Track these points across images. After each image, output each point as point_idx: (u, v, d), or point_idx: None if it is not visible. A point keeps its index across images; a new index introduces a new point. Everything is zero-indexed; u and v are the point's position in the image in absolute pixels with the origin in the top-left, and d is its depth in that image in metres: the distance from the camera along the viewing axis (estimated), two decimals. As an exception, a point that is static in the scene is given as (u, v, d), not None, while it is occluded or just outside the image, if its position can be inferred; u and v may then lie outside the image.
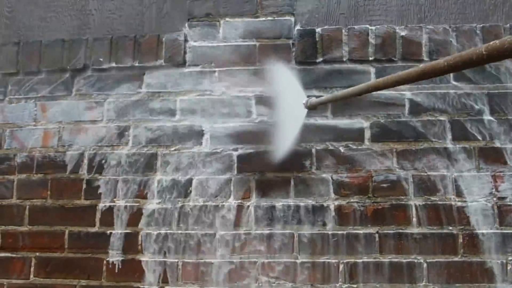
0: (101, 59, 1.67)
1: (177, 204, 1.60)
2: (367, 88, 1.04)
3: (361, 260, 1.53)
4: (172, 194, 1.60)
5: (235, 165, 1.60)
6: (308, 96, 1.50)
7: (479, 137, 1.56)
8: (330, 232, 1.55)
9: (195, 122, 1.63)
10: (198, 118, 1.63)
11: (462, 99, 1.58)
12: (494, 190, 1.54)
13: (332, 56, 1.61)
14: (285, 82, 1.56)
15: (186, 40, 1.66)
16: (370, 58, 1.60)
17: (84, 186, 1.64)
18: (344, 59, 1.60)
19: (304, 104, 1.48)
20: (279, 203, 1.57)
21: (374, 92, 1.56)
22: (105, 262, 1.59)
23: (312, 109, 1.49)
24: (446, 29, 1.59)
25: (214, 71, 1.64)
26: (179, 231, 1.58)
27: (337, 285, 1.52)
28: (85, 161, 1.65)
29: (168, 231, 1.59)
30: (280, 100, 1.57)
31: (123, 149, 1.64)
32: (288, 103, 1.53)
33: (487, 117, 1.57)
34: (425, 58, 1.59)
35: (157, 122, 1.64)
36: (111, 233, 1.59)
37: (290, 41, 1.63)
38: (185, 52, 1.66)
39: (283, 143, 1.55)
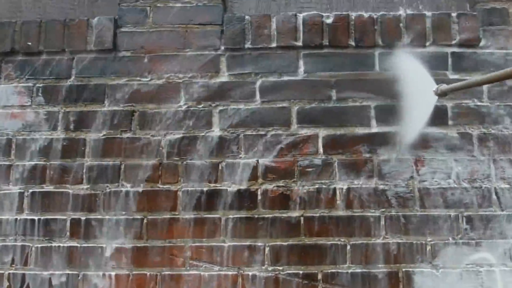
0: (30, 43, 1.65)
1: (106, 189, 1.59)
2: (503, 75, 1.05)
3: (286, 243, 1.56)
4: (101, 178, 1.60)
5: (164, 150, 1.60)
6: (438, 83, 1.48)
7: (402, 123, 1.60)
8: (256, 216, 1.57)
9: (124, 108, 1.63)
10: (128, 103, 1.63)
11: (388, 85, 1.61)
12: (415, 173, 1.58)
13: (260, 42, 1.62)
14: (413, 69, 1.56)
15: (116, 25, 1.65)
16: (298, 45, 1.62)
17: (12, 172, 1.62)
18: (273, 46, 1.62)
19: (435, 91, 1.47)
20: (207, 187, 1.58)
21: (299, 78, 1.59)
22: (33, 248, 1.58)
23: (443, 95, 1.47)
24: (371, 16, 1.62)
25: (144, 57, 1.64)
26: (107, 216, 1.58)
27: (263, 267, 1.55)
28: (13, 146, 1.63)
29: (97, 216, 1.58)
30: (408, 86, 1.57)
31: (51, 134, 1.63)
32: (417, 90, 1.53)
33: (410, 103, 1.61)
34: (352, 45, 1.62)
35: (87, 107, 1.63)
36: (33, 219, 1.58)
37: (220, 27, 1.64)
38: (115, 37, 1.65)
39: (413, 129, 1.56)
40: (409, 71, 1.58)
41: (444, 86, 1.44)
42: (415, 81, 1.55)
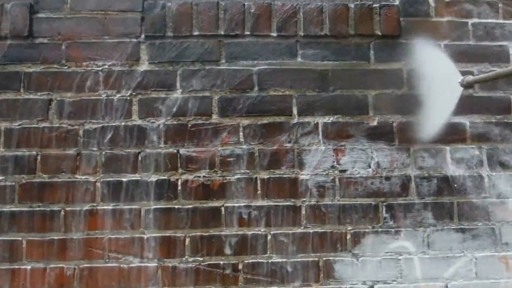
0: None
1: (22, 180, 1.54)
2: None
3: (207, 234, 1.54)
4: (16, 169, 1.54)
5: (81, 139, 1.56)
6: (463, 75, 1.49)
7: (323, 112, 1.60)
8: (176, 207, 1.54)
9: (41, 96, 1.57)
10: (45, 92, 1.57)
11: (309, 75, 1.61)
12: (335, 163, 1.59)
13: (182, 30, 1.60)
14: (439, 60, 1.55)
15: (32, 11, 1.60)
16: (220, 33, 1.60)
17: None
18: (194, 34, 1.60)
19: (460, 82, 1.47)
20: (126, 178, 1.55)
21: (221, 67, 1.58)
22: None
23: (469, 87, 1.46)
24: (293, 6, 1.61)
25: (62, 44, 1.59)
26: (25, 208, 1.53)
27: (183, 259, 1.53)
28: None
29: (12, 209, 1.53)
30: (433, 77, 1.55)
31: (-37, 124, 1.56)
32: (442, 81, 1.53)
33: (332, 93, 1.61)
34: (274, 34, 1.61)
35: (1, 96, 1.57)
36: None
37: (140, 14, 1.60)
38: (31, 23, 1.59)
39: (436, 120, 1.55)
40: (434, 62, 1.57)
41: (470, 77, 1.45)
42: (441, 72, 1.55)
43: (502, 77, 1.37)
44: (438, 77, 1.56)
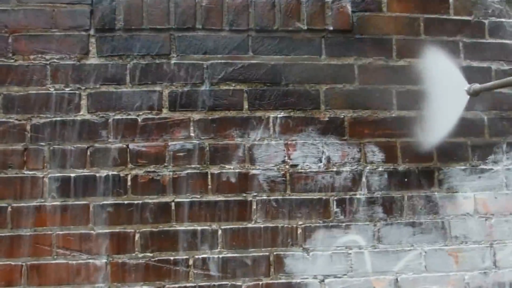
0: None
1: (-33, 176, 1.51)
2: None
3: (157, 229, 1.53)
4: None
5: (29, 134, 1.53)
6: (470, 83, 1.48)
7: (274, 107, 1.60)
8: (126, 202, 1.53)
9: (-13, 90, 1.54)
10: (-9, 85, 1.55)
11: (261, 70, 1.61)
12: (286, 158, 1.59)
13: (132, 24, 1.58)
14: (445, 67, 1.56)
15: (-23, 3, 1.56)
16: (171, 27, 1.58)
17: None
18: (145, 27, 1.58)
19: (467, 91, 1.47)
20: (75, 173, 1.53)
21: (172, 61, 1.56)
22: None
23: (475, 95, 1.46)
24: (246, 0, 1.61)
25: (8, 37, 1.56)
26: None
27: (133, 254, 1.52)
28: None
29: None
30: (439, 85, 1.56)
31: None
32: (448, 88, 1.53)
33: (283, 87, 1.61)
34: (226, 28, 1.60)
35: None
36: None
37: (89, 7, 1.58)
38: (-24, 15, 1.56)
39: (439, 130, 1.56)
40: (440, 69, 1.58)
41: (477, 86, 1.45)
42: (447, 80, 1.55)
43: (508, 85, 1.38)
44: (444, 85, 1.57)
